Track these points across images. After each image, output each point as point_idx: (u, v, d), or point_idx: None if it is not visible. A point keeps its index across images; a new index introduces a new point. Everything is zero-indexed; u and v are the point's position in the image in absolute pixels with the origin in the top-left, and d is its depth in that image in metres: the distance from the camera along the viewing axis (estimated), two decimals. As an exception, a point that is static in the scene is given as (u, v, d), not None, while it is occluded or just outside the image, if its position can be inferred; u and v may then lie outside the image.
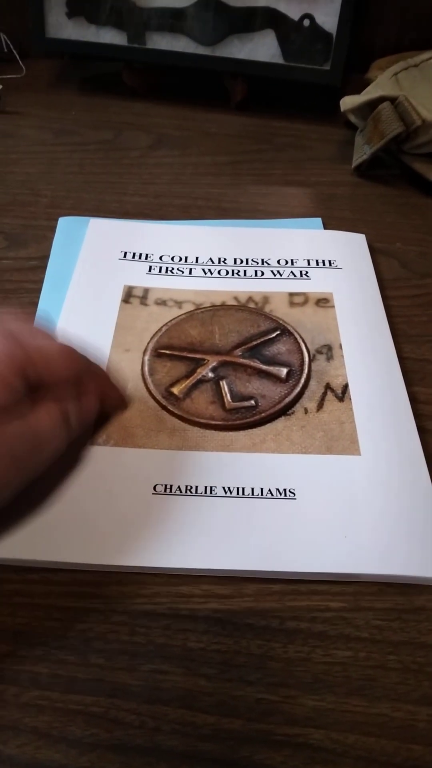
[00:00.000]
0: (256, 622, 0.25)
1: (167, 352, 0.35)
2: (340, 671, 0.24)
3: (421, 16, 0.59)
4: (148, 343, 0.35)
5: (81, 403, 0.28)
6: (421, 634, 0.25)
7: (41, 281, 0.39)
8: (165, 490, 0.29)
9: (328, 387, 0.33)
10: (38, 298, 0.38)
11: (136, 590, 0.26)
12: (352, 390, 0.33)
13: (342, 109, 0.48)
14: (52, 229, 0.43)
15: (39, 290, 0.39)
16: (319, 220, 0.45)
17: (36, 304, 0.38)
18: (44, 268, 0.40)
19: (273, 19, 0.52)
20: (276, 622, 0.25)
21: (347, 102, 0.48)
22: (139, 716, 0.23)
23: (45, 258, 0.41)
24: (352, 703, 0.24)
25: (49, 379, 0.26)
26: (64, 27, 0.56)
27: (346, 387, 0.33)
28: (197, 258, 0.41)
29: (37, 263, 0.41)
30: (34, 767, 0.22)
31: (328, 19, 0.51)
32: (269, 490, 0.29)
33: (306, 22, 0.52)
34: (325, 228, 0.44)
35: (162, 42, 0.55)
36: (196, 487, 0.29)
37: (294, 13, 0.52)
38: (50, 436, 0.26)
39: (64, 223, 0.44)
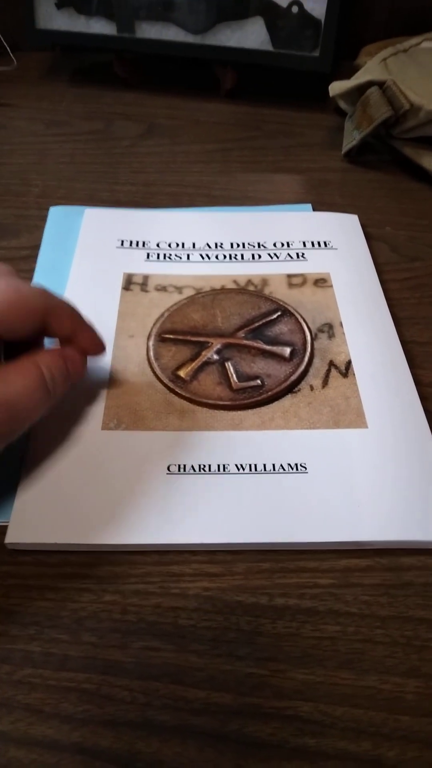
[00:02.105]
0: (245, 599, 0.26)
1: (171, 336, 0.35)
2: (329, 645, 0.25)
3: (411, 2, 0.59)
4: (151, 329, 0.36)
5: (64, 363, 0.28)
6: (408, 608, 0.26)
7: (32, 270, 0.39)
8: (179, 470, 0.29)
9: (331, 364, 0.34)
10: (29, 286, 0.38)
11: (128, 570, 0.27)
12: (355, 366, 0.34)
13: (331, 94, 0.49)
14: (44, 219, 0.44)
15: (30, 279, 0.39)
16: (309, 206, 0.45)
17: (27, 292, 0.38)
18: (35, 257, 0.40)
19: (262, 6, 0.52)
20: (265, 598, 0.26)
21: (336, 87, 0.48)
22: (130, 692, 0.23)
23: (36, 248, 0.41)
24: (341, 676, 0.24)
25: (20, 331, 0.26)
26: (54, 18, 0.56)
27: (349, 363, 0.34)
28: (194, 243, 0.41)
29: (28, 252, 0.41)
30: (27, 743, 0.22)
31: (316, 5, 0.51)
32: (281, 465, 0.29)
33: (294, 9, 0.52)
34: (315, 214, 0.45)
35: (151, 31, 0.55)
36: (209, 465, 0.29)
37: (282, 0, 0.52)
38: (25, 403, 0.26)
39: (55, 213, 0.44)
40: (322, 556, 0.27)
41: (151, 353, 0.34)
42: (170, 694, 0.23)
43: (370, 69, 0.49)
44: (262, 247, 0.41)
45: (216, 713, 0.23)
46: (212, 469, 0.29)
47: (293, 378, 0.33)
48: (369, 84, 0.46)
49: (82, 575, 0.26)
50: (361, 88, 0.47)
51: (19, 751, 0.22)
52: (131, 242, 0.42)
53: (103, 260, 0.40)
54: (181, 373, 0.33)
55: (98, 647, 0.24)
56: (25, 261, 0.40)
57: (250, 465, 0.29)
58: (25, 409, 0.26)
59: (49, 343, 0.30)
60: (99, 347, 0.31)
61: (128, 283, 0.39)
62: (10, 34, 0.60)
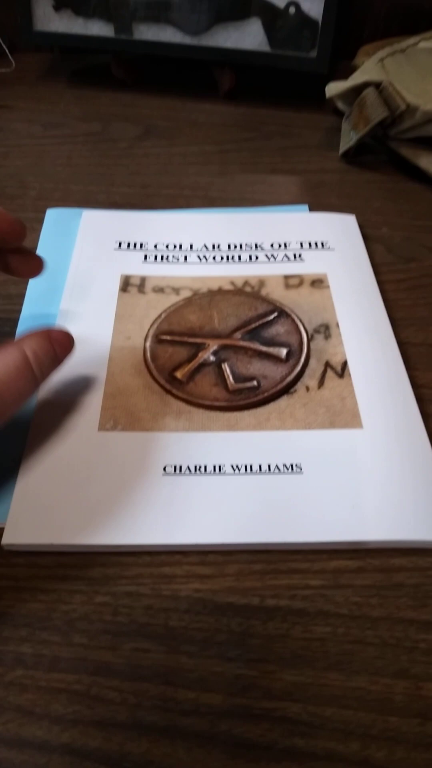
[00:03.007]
0: (236, 601, 0.26)
1: (168, 337, 0.35)
2: (319, 647, 0.25)
3: (409, 2, 0.59)
4: (148, 330, 0.36)
5: (50, 344, 0.28)
6: (399, 609, 0.26)
7: (29, 272, 0.40)
8: (175, 471, 0.29)
9: (327, 365, 0.34)
10: (25, 288, 0.38)
11: (120, 572, 0.27)
12: (351, 366, 0.34)
13: (327, 95, 0.49)
14: (41, 221, 0.44)
15: (26, 281, 0.39)
16: (305, 207, 0.45)
17: (23, 294, 0.38)
18: (32, 259, 0.41)
19: (259, 8, 0.52)
20: (256, 600, 0.26)
21: (332, 88, 0.48)
22: (120, 693, 0.24)
23: (33, 249, 0.41)
24: (330, 677, 0.24)
25: None
26: (51, 20, 0.56)
27: (345, 364, 0.34)
28: (191, 245, 0.42)
29: (25, 255, 0.41)
30: (18, 743, 0.22)
31: (313, 6, 0.51)
32: (276, 465, 0.30)
33: (291, 10, 0.52)
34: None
35: (149, 33, 0.55)
36: (205, 466, 0.30)
37: (279, 1, 0.52)
38: (9, 390, 0.26)
39: (52, 215, 0.44)
40: (313, 557, 0.27)
41: (148, 354, 0.35)
42: (160, 695, 0.23)
43: (367, 69, 0.49)
44: (259, 248, 0.41)
45: (206, 714, 0.23)
46: (208, 470, 0.29)
47: (289, 379, 0.33)
48: (365, 85, 0.46)
49: (74, 577, 0.26)
50: (358, 89, 0.47)
51: (10, 752, 0.22)
52: (129, 244, 0.42)
53: (101, 262, 0.40)
54: (178, 374, 0.34)
55: (89, 648, 0.25)
56: (21, 263, 0.41)
57: (246, 465, 0.30)
58: (8, 396, 0.26)
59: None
60: (18, 230, 0.31)
61: (126, 284, 0.39)
62: (8, 35, 0.61)
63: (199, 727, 0.23)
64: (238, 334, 0.36)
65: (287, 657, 0.24)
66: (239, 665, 0.24)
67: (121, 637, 0.25)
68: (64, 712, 0.23)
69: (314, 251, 0.41)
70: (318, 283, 0.39)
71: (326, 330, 0.36)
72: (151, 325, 0.36)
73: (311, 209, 0.45)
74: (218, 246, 0.42)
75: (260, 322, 0.36)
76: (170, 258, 0.41)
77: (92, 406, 0.32)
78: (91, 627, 0.25)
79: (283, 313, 0.37)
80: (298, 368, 0.34)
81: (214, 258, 0.41)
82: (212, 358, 0.34)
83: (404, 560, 0.27)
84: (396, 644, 0.25)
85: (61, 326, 0.29)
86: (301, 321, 0.36)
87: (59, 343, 0.28)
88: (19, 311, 0.37)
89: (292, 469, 0.29)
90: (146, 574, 0.27)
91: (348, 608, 0.26)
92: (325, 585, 0.26)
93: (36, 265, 0.33)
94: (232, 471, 0.29)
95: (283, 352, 0.35)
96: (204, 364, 0.34)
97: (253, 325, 0.36)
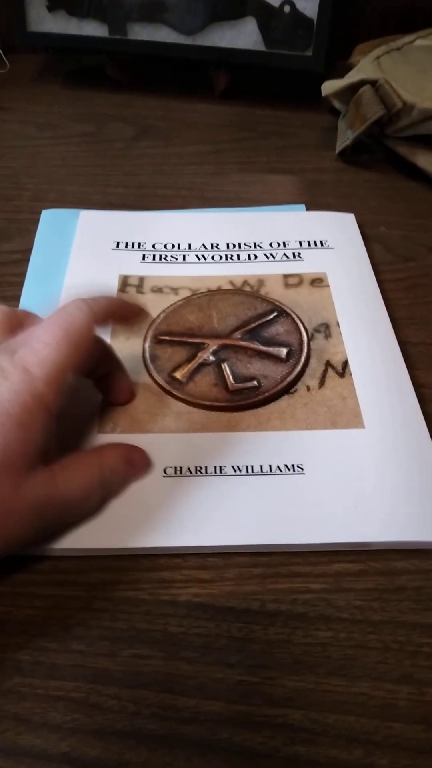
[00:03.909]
0: (236, 606, 0.26)
1: (167, 338, 0.35)
2: (320, 652, 0.24)
3: (404, 0, 0.59)
4: (147, 331, 0.36)
5: (125, 464, 0.28)
6: (401, 613, 0.25)
7: (24, 274, 0.39)
8: (175, 472, 0.29)
9: (328, 364, 0.34)
10: (20, 291, 0.38)
11: (118, 577, 0.26)
12: (352, 366, 0.34)
13: (323, 93, 0.48)
14: (36, 223, 0.43)
15: (22, 283, 0.39)
16: (302, 207, 0.45)
17: (18, 297, 0.38)
18: (27, 261, 0.40)
19: (254, 6, 0.52)
20: (256, 604, 0.26)
21: (328, 86, 0.48)
22: (119, 701, 0.23)
23: (28, 251, 0.41)
24: (332, 683, 0.24)
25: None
26: (45, 20, 0.56)
27: (345, 363, 0.34)
28: (190, 244, 0.41)
29: (20, 256, 0.41)
30: (15, 752, 0.22)
31: (308, 4, 0.51)
32: (278, 466, 0.29)
33: (286, 8, 0.51)
34: (308, 214, 0.44)
35: (143, 33, 0.55)
36: (206, 467, 0.29)
37: (274, 0, 0.51)
38: (78, 505, 0.26)
39: (48, 216, 0.44)
40: (314, 560, 0.27)
41: (147, 355, 0.34)
42: (160, 703, 0.23)
43: (363, 68, 0.48)
44: (258, 248, 0.41)
45: (206, 722, 0.23)
46: (209, 471, 0.29)
47: (290, 379, 0.33)
48: (362, 83, 0.46)
49: (71, 582, 0.26)
50: (354, 87, 0.47)
51: (7, 762, 0.22)
52: (127, 244, 0.41)
53: (99, 262, 0.40)
54: (178, 374, 0.33)
55: (87, 655, 0.24)
56: (16, 265, 0.40)
57: (247, 466, 0.29)
58: (75, 510, 0.26)
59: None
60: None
61: (124, 285, 0.38)
62: (2, 36, 0.60)
63: (199, 735, 0.22)
64: (237, 334, 0.35)
65: (288, 662, 0.24)
66: (240, 671, 0.24)
67: (120, 644, 0.24)
68: (62, 720, 0.23)
69: (313, 250, 0.41)
70: (317, 282, 0.39)
71: (326, 329, 0.36)
72: (150, 325, 0.36)
73: (308, 209, 0.45)
74: (217, 245, 0.41)
75: (260, 321, 0.36)
76: (168, 258, 0.40)
77: (92, 408, 0.31)
78: (88, 633, 0.25)
79: (282, 313, 0.37)
80: (299, 368, 0.33)
81: (212, 258, 0.40)
82: (212, 358, 0.34)
83: (406, 563, 0.27)
84: (399, 649, 0.24)
85: (141, 448, 0.29)
86: (301, 320, 0.36)
87: (135, 467, 0.28)
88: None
89: (294, 469, 0.29)
90: (145, 578, 0.26)
91: (350, 612, 0.25)
92: (327, 589, 0.26)
93: (128, 391, 0.32)
94: (233, 472, 0.29)
95: (284, 351, 0.34)
96: (203, 364, 0.34)
97: (253, 325, 0.36)
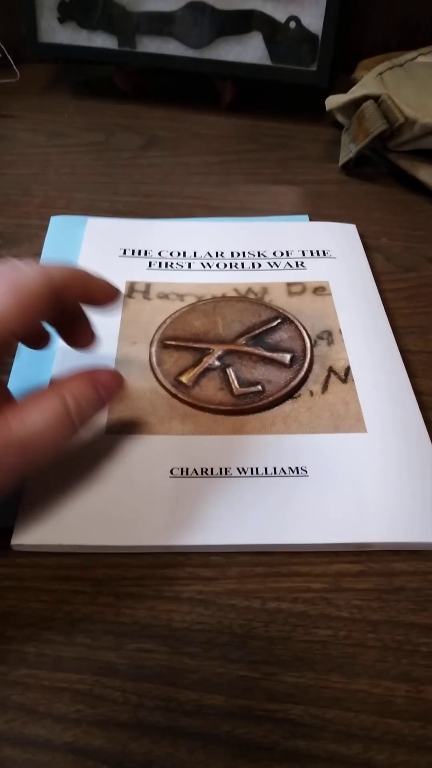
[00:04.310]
0: (238, 603, 0.26)
1: (173, 343, 0.36)
2: (320, 649, 0.25)
3: (408, 17, 0.60)
4: (153, 335, 0.36)
5: (94, 389, 0.26)
6: (400, 613, 0.26)
7: (32, 278, 0.40)
8: (182, 473, 0.30)
9: (330, 370, 0.35)
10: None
11: (123, 573, 0.27)
12: (354, 372, 0.34)
13: (327, 107, 0.49)
14: (44, 229, 0.44)
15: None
16: (305, 218, 0.46)
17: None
18: (36, 265, 0.41)
19: (260, 22, 0.53)
20: (258, 602, 0.26)
21: (332, 101, 0.49)
22: (123, 693, 0.24)
23: (37, 256, 0.42)
24: (332, 679, 0.24)
25: (33, 327, 0.25)
26: (56, 32, 0.57)
27: (348, 369, 0.34)
28: (195, 252, 0.42)
29: (28, 261, 0.42)
30: (21, 742, 0.22)
31: (313, 21, 0.52)
32: (282, 468, 0.30)
33: (292, 24, 0.53)
34: (311, 225, 0.45)
35: (152, 45, 0.56)
36: (212, 469, 0.30)
37: (280, 16, 0.53)
38: (42, 441, 0.24)
39: (56, 222, 0.45)
40: (315, 560, 0.27)
41: (154, 359, 0.35)
42: (162, 696, 0.24)
43: (366, 83, 0.49)
44: (262, 256, 0.42)
45: (208, 715, 0.23)
46: (215, 473, 0.30)
47: (293, 384, 0.34)
48: (365, 98, 0.47)
49: (77, 577, 0.27)
50: (357, 102, 0.48)
51: (13, 750, 0.22)
52: (133, 251, 0.42)
53: (106, 269, 0.40)
54: (184, 378, 0.34)
55: (92, 648, 0.25)
56: (25, 269, 0.41)
57: (251, 468, 0.30)
58: (41, 448, 0.25)
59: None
60: (113, 295, 0.29)
61: (131, 291, 0.39)
62: (14, 46, 0.61)
63: (201, 728, 0.23)
64: (242, 340, 0.36)
65: (289, 659, 0.25)
66: (241, 667, 0.24)
67: (124, 638, 0.25)
68: (66, 711, 0.23)
69: (316, 259, 0.42)
70: (320, 290, 0.39)
71: (329, 336, 0.36)
72: (157, 331, 0.37)
73: (311, 219, 0.46)
74: (221, 254, 0.42)
75: (264, 328, 0.37)
76: (174, 265, 0.41)
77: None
78: (93, 627, 0.25)
79: (286, 320, 0.37)
80: (302, 373, 0.34)
81: (217, 265, 0.41)
82: (217, 363, 0.35)
83: (405, 564, 0.27)
84: (397, 648, 0.25)
85: (108, 367, 0.28)
86: (304, 327, 0.37)
87: (104, 386, 0.27)
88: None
89: (298, 472, 0.30)
90: (149, 575, 0.27)
91: (349, 611, 0.26)
92: (327, 588, 0.27)
93: (91, 338, 0.31)
94: (238, 474, 0.30)
95: (287, 357, 0.35)
96: (209, 369, 0.34)
97: (257, 331, 0.37)
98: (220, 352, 0.35)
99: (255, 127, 0.57)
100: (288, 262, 0.41)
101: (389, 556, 0.28)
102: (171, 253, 0.42)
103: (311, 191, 0.49)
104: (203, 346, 0.36)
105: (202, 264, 0.41)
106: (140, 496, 0.29)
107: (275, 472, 0.30)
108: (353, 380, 0.34)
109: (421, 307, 0.40)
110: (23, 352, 0.35)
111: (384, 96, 0.46)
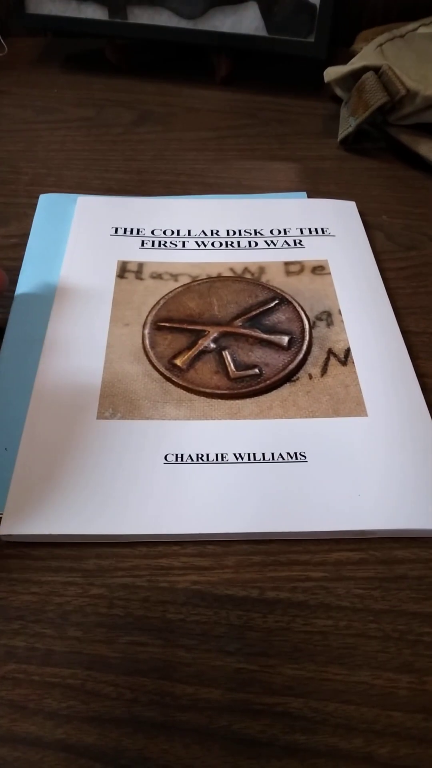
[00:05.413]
0: (235, 593, 0.25)
1: (167, 324, 0.35)
2: (320, 640, 0.24)
3: (408, -13, 0.58)
4: (146, 317, 0.35)
5: None
6: (402, 602, 0.25)
7: (21, 258, 0.39)
8: (176, 459, 0.29)
9: (330, 352, 0.34)
10: (17, 275, 0.37)
11: (115, 563, 0.26)
12: (354, 354, 0.33)
13: (326, 79, 0.48)
14: (33, 207, 0.43)
15: (19, 268, 0.38)
16: (303, 194, 0.45)
17: (15, 281, 0.37)
18: (24, 245, 0.40)
19: (256, -9, 0.51)
20: (255, 592, 0.25)
21: (331, 73, 0.47)
22: (116, 688, 0.23)
23: (25, 236, 0.41)
24: (332, 671, 0.23)
25: None
26: (44, 3, 0.55)
27: (348, 351, 0.33)
28: (189, 231, 0.41)
29: (17, 241, 0.40)
30: (10, 740, 0.22)
31: (311, -11, 0.50)
32: (280, 454, 0.29)
33: (289, -7, 0.51)
34: (309, 202, 0.44)
35: (143, 16, 0.54)
36: (207, 454, 0.29)
37: (277, -16, 0.51)
38: None
39: (45, 201, 0.43)
40: (314, 548, 0.27)
41: (147, 341, 0.34)
42: (157, 690, 0.23)
43: (366, 54, 0.48)
44: (258, 235, 0.41)
45: (204, 709, 0.22)
46: (211, 458, 0.29)
47: (291, 367, 0.33)
48: (364, 69, 0.45)
49: (68, 568, 0.26)
50: (357, 74, 0.46)
51: (3, 749, 0.21)
52: (125, 229, 0.41)
53: (97, 248, 0.39)
54: (178, 361, 0.33)
55: (84, 642, 0.24)
56: (13, 249, 0.40)
57: (249, 454, 0.29)
58: None
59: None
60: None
61: (123, 270, 0.38)
62: (1, 19, 0.59)
63: (197, 723, 0.22)
64: (238, 322, 0.35)
65: (288, 651, 0.24)
66: (238, 659, 0.24)
67: (117, 631, 0.24)
68: (58, 707, 0.22)
69: (314, 238, 0.40)
70: (319, 269, 0.38)
71: (328, 317, 0.35)
72: (150, 312, 0.35)
73: (309, 196, 0.44)
74: (217, 232, 0.41)
75: (261, 309, 0.36)
76: (168, 244, 0.40)
77: (90, 394, 0.31)
78: (85, 620, 0.24)
79: (284, 300, 0.36)
80: (301, 356, 0.33)
81: (213, 244, 0.40)
82: (212, 345, 0.34)
83: (407, 552, 0.27)
84: (399, 638, 0.24)
85: None
86: (302, 308, 0.36)
87: None
88: (13, 297, 0.36)
89: (296, 457, 0.29)
90: (142, 565, 0.26)
91: (350, 601, 0.25)
92: (327, 577, 0.26)
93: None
94: (235, 459, 0.29)
95: (285, 339, 0.34)
96: (204, 352, 0.33)
97: (254, 313, 0.35)
98: (215, 334, 0.34)
99: (251, 102, 0.55)
100: (285, 241, 0.40)
101: (391, 544, 0.27)
102: (164, 232, 0.41)
103: (309, 167, 0.48)
104: (198, 327, 0.35)
105: (196, 243, 0.40)
106: (133, 484, 0.28)
107: (273, 458, 0.29)
108: (353, 362, 0.33)
109: (422, 287, 0.38)
110: (11, 339, 0.34)
111: (384, 67, 0.44)
